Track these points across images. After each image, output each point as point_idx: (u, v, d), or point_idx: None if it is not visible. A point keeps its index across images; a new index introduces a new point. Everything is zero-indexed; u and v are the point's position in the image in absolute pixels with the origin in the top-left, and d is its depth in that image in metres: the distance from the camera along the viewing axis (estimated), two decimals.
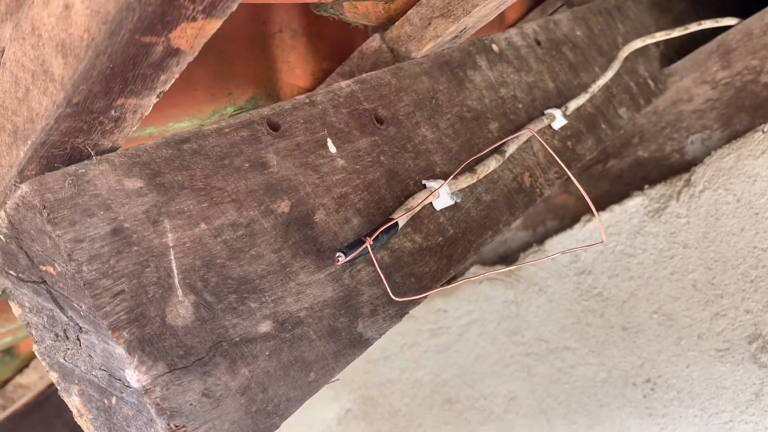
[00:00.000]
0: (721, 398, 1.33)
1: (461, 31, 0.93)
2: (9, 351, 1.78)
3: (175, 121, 0.92)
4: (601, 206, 1.51)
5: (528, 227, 1.72)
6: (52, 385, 2.24)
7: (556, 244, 1.58)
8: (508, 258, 1.73)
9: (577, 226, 1.54)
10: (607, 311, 1.50)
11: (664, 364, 1.42)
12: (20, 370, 1.86)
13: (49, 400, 2.47)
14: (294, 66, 1.03)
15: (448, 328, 1.78)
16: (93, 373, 0.54)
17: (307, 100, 0.75)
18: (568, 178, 1.04)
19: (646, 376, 1.45)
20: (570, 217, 1.63)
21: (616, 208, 1.49)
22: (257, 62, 1.00)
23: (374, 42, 0.94)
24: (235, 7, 0.45)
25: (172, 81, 0.51)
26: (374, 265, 0.69)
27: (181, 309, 0.54)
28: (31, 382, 1.86)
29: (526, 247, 1.68)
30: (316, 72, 1.05)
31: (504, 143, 0.88)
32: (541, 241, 1.64)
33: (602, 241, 0.51)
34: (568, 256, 1.53)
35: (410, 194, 0.78)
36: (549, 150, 0.61)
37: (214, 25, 0.47)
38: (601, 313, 1.51)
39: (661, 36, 1.33)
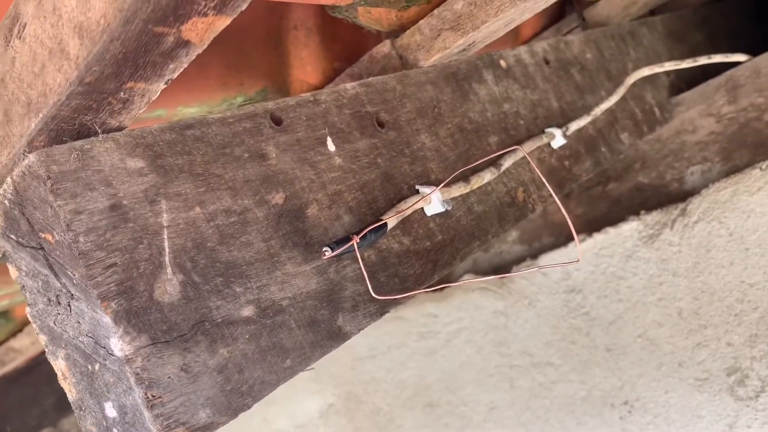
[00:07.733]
0: (695, 427, 1.35)
1: (470, 45, 0.96)
2: (5, 314, 1.81)
3: (185, 105, 0.95)
4: (597, 227, 1.53)
5: (524, 241, 1.75)
6: (43, 352, 2.27)
7: (549, 260, 1.60)
8: (501, 270, 1.76)
9: (571, 245, 1.56)
10: (593, 331, 1.52)
11: (643, 388, 1.44)
12: (14, 334, 1.90)
13: (39, 367, 2.51)
14: (306, 63, 1.05)
15: (437, 333, 1.80)
16: (80, 339, 0.57)
17: (312, 98, 0.77)
18: (566, 195, 1.06)
19: (624, 398, 1.47)
20: (566, 234, 1.65)
21: (611, 231, 1.51)
22: (271, 56, 1.03)
23: (384, 47, 0.97)
24: (245, 6, 0.48)
25: (181, 70, 0.54)
26: (359, 263, 0.72)
27: (169, 286, 0.56)
28: (23, 347, 1.90)
29: (520, 260, 1.70)
30: (327, 71, 1.07)
31: (498, 156, 0.90)
32: (535, 255, 1.66)
33: (578, 260, 0.53)
34: (560, 273, 1.56)
35: (403, 198, 0.81)
36: (538, 173, 0.64)
37: (224, 22, 0.50)
38: (586, 332, 1.53)
39: (669, 66, 1.35)
